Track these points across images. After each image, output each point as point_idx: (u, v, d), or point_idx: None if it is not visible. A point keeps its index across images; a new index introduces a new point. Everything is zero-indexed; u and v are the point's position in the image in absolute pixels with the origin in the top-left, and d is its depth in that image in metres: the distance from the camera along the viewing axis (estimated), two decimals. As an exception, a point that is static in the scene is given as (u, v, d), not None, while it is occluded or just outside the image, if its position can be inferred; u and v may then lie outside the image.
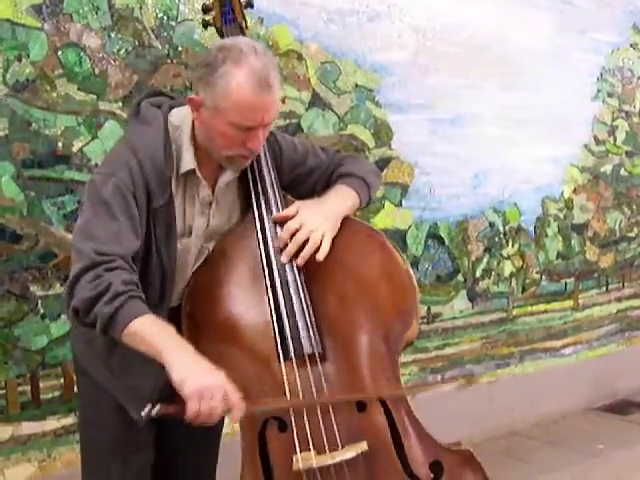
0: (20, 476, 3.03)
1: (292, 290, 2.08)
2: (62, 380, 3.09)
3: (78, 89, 3.05)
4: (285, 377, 2.01)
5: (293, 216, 2.13)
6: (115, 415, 2.20)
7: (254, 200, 2.19)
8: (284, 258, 2.08)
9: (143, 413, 1.83)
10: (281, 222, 2.15)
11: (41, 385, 3.05)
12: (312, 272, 2.12)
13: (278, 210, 2.18)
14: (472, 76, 4.31)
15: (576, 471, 3.99)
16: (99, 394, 2.23)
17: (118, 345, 2.05)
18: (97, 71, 3.09)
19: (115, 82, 3.13)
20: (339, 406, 2.00)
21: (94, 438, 2.30)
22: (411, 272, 2.21)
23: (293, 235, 2.10)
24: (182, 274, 2.17)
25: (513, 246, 4.58)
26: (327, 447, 1.96)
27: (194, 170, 2.10)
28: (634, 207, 5.30)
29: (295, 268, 2.10)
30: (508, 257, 4.57)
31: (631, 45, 5.18)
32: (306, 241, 2.10)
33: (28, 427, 3.04)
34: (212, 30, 2.60)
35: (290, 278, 2.09)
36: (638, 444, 4.36)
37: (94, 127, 3.08)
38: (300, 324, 2.04)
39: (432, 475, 2.01)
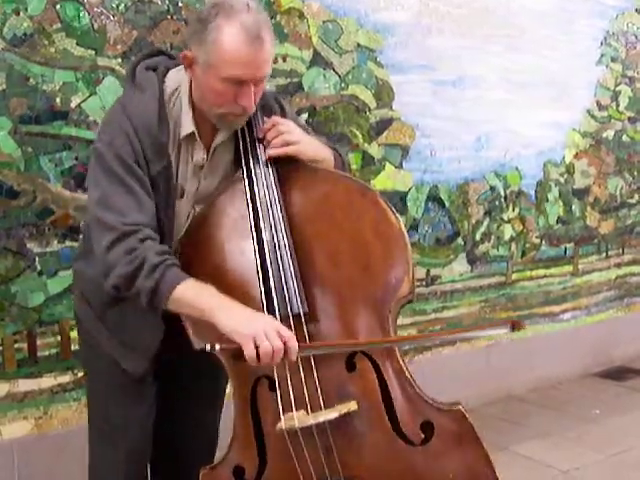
0: (16, 433, 3.04)
1: (279, 250, 2.05)
2: (59, 338, 3.09)
3: (77, 44, 3.02)
4: None
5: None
6: (115, 367, 2.22)
7: (243, 159, 2.15)
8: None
9: (208, 347, 1.88)
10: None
11: (38, 342, 3.05)
12: (301, 229, 2.09)
13: (268, 170, 2.14)
14: (475, 38, 4.28)
15: (572, 435, 4.01)
16: (97, 348, 2.25)
17: (114, 302, 2.11)
18: (96, 26, 3.06)
19: (114, 38, 3.10)
20: (328, 365, 1.98)
21: (97, 388, 2.34)
22: (404, 230, 2.13)
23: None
24: (176, 237, 2.16)
25: (513, 210, 4.57)
26: (311, 407, 1.95)
27: (193, 133, 2.11)
28: (635, 173, 5.29)
29: (284, 229, 2.06)
30: (508, 221, 4.56)
31: (636, 10, 5.14)
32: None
33: (24, 384, 3.04)
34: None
35: (278, 237, 2.06)
36: (634, 410, 4.38)
37: (92, 83, 3.06)
38: (286, 285, 2.01)
39: (423, 435, 2.00)
